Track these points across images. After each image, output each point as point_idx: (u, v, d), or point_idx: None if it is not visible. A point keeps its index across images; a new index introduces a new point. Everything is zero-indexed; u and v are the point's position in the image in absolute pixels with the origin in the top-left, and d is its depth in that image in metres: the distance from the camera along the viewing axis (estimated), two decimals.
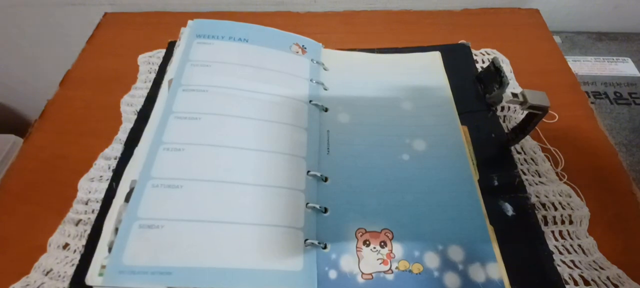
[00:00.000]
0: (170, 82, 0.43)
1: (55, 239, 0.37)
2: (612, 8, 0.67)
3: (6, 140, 0.74)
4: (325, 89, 0.47)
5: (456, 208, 0.38)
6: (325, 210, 0.37)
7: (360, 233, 0.36)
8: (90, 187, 0.40)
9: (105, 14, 0.62)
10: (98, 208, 0.38)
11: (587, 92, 0.55)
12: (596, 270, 0.36)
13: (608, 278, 0.35)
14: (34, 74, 0.80)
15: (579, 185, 0.41)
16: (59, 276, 0.34)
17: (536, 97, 0.38)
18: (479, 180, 0.40)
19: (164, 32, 0.56)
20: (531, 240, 0.37)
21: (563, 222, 0.39)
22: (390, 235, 0.36)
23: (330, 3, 0.64)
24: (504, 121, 0.48)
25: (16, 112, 0.91)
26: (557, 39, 0.62)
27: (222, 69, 0.45)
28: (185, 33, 0.49)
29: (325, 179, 0.39)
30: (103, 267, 0.31)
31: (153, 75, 0.51)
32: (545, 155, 0.44)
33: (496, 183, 0.41)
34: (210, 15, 0.59)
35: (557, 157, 0.44)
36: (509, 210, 0.39)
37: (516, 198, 0.39)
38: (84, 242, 0.36)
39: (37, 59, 0.76)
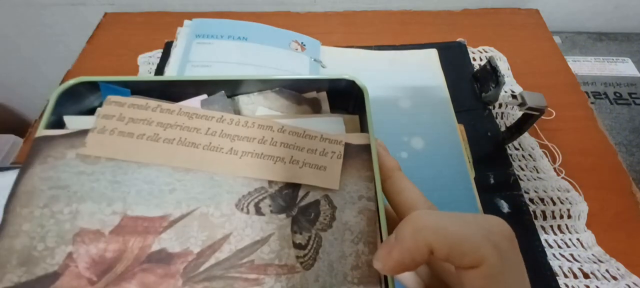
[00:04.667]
0: None
1: None
2: (612, 8, 0.66)
3: (6, 140, 0.74)
4: None
5: (453, 205, 0.38)
6: None
7: None
8: None
9: (105, 14, 0.62)
10: None
11: (587, 92, 0.55)
12: (595, 263, 0.36)
13: (607, 271, 0.35)
14: (34, 74, 0.80)
15: (579, 185, 0.41)
16: None
17: (534, 99, 0.39)
18: (475, 178, 0.40)
19: (163, 32, 0.56)
20: (525, 236, 0.37)
21: (562, 217, 0.39)
22: None
23: (330, 3, 0.64)
24: (501, 118, 0.48)
25: (16, 112, 0.91)
26: (557, 39, 0.62)
27: (223, 69, 0.45)
28: (183, 33, 0.49)
29: None
30: None
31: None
32: (543, 152, 0.44)
33: (492, 181, 0.41)
34: (209, 15, 0.59)
35: (555, 153, 0.44)
36: (505, 207, 0.39)
37: (511, 195, 0.40)
38: None
39: (37, 59, 0.76)
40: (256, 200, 0.21)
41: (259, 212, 0.21)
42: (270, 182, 0.22)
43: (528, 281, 0.18)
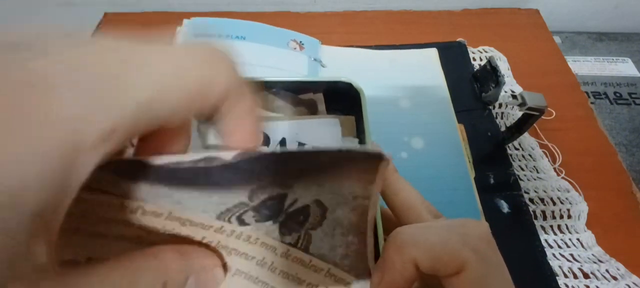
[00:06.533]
0: None
1: None
2: (612, 8, 0.66)
3: None
4: None
5: (453, 205, 0.38)
6: None
7: None
8: None
9: (105, 14, 0.62)
10: None
11: (587, 92, 0.55)
12: (595, 263, 0.36)
13: (607, 271, 0.35)
14: None
15: (579, 185, 0.41)
16: None
17: (534, 99, 0.39)
18: (475, 178, 0.40)
19: (163, 32, 0.56)
20: (525, 236, 0.37)
21: (562, 217, 0.39)
22: None
23: (330, 3, 0.64)
24: (501, 118, 0.48)
25: None
26: (557, 39, 0.62)
27: None
28: (182, 32, 0.49)
29: None
30: None
31: None
32: (543, 152, 0.44)
33: (492, 181, 0.41)
34: (209, 15, 0.59)
35: (555, 153, 0.44)
36: (505, 207, 0.39)
37: (511, 195, 0.40)
38: None
39: None
40: (237, 214, 0.19)
41: (242, 223, 0.20)
42: (250, 197, 0.19)
43: (510, 278, 0.18)
